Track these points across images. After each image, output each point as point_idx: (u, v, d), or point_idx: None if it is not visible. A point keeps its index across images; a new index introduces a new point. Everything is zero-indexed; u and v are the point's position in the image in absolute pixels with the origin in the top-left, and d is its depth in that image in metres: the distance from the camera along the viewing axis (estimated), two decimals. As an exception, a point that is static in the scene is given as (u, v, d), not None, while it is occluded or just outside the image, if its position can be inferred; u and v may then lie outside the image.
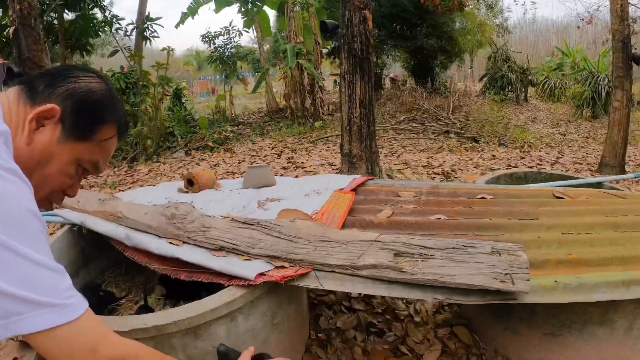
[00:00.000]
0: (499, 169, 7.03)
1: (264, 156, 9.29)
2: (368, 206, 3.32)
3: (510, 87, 16.47)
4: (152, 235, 2.82)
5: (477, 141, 9.58)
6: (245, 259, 2.45)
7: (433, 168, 7.34)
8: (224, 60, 16.96)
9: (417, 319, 3.43)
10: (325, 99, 13.83)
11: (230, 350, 1.77)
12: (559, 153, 8.55)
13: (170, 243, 2.66)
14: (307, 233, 2.58)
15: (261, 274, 2.28)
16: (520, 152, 8.52)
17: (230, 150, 10.13)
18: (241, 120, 14.56)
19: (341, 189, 3.61)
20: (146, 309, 3.21)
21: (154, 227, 2.82)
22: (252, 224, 2.72)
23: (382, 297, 3.71)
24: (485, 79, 18.57)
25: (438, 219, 2.94)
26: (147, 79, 11.96)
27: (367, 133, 6.10)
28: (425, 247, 2.32)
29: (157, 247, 2.66)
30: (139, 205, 3.21)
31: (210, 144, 10.42)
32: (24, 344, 2.89)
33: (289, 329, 2.76)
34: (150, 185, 7.76)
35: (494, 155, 8.06)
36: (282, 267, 2.35)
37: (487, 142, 9.47)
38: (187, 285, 3.39)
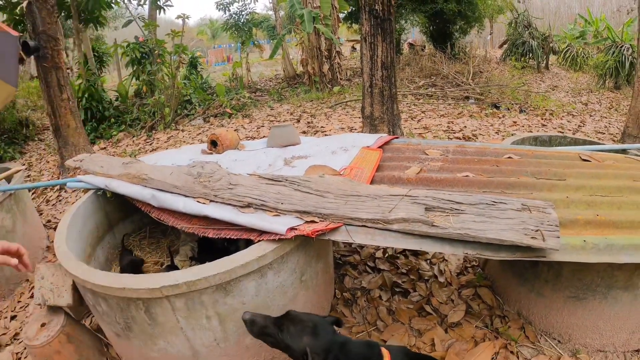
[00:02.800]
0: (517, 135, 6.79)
1: (283, 121, 9.19)
2: (396, 163, 3.27)
3: (531, 54, 16.07)
4: (178, 195, 2.79)
5: (497, 107, 9.43)
6: (274, 215, 2.41)
7: (454, 132, 7.26)
8: (239, 27, 16.84)
9: (441, 279, 3.43)
10: (343, 64, 13.65)
11: (256, 316, 1.79)
12: (580, 122, 8.39)
13: (198, 202, 2.63)
14: (337, 188, 2.54)
15: (292, 228, 2.25)
16: (542, 119, 8.38)
17: (249, 116, 10.07)
18: (258, 86, 14.46)
19: (368, 146, 3.55)
20: (173, 268, 3.22)
21: (180, 186, 2.79)
22: (279, 180, 2.68)
23: (407, 257, 3.71)
24: (505, 45, 18.24)
25: (466, 176, 2.88)
26: (163, 47, 11.91)
27: (389, 95, 6.01)
28: (456, 202, 2.28)
29: (184, 206, 2.63)
30: (164, 167, 3.18)
31: (228, 110, 10.36)
32: (52, 309, 2.89)
33: (316, 286, 2.75)
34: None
35: (515, 122, 7.95)
36: (313, 221, 2.31)
37: (508, 109, 9.31)
38: (214, 250, 3.42)
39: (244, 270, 2.15)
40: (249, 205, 2.51)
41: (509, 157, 3.27)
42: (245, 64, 14.41)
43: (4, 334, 3.61)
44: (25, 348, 3.33)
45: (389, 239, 2.20)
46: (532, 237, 1.96)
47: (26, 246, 4.06)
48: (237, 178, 2.77)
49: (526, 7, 18.02)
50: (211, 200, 2.64)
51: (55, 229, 4.99)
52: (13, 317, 3.81)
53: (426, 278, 3.46)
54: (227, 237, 2.41)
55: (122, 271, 3.21)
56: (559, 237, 1.96)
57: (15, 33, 4.54)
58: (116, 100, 11.83)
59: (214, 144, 3.98)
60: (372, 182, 2.85)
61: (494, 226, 2.06)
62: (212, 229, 2.50)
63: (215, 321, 2.28)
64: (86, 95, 10.06)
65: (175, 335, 2.32)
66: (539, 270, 2.68)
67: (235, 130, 8.72)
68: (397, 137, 3.92)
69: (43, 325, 2.78)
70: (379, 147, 3.56)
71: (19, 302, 3.99)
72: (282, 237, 2.21)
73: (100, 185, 3.30)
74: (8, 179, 4.54)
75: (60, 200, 6.05)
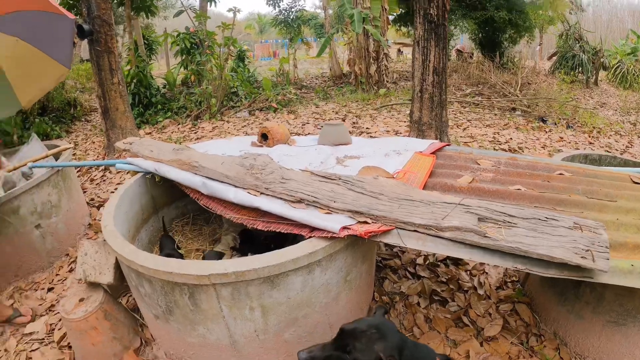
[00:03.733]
0: (566, 151, 6.69)
1: (328, 119, 9.13)
2: (448, 170, 3.22)
3: (580, 69, 15.69)
4: (229, 184, 2.79)
5: (544, 121, 9.22)
6: (326, 212, 2.39)
7: (499, 144, 7.12)
8: (288, 24, 16.89)
9: (480, 291, 3.36)
10: (389, 67, 13.57)
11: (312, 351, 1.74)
12: (628, 142, 8.15)
13: (248, 193, 2.62)
14: (390, 191, 2.50)
15: (345, 227, 2.23)
16: (589, 137, 8.17)
17: (294, 112, 10.04)
18: (304, 83, 14.48)
19: (421, 152, 3.51)
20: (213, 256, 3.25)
21: (231, 176, 2.79)
22: (333, 179, 2.66)
23: (447, 266, 3.66)
24: (554, 57, 17.87)
25: (518, 189, 2.81)
26: (213, 39, 12.00)
27: (439, 101, 5.93)
28: (509, 214, 2.23)
29: (235, 196, 2.63)
30: (215, 156, 3.19)
31: (274, 105, 10.37)
32: (92, 285, 2.93)
33: (358, 287, 2.72)
34: None
35: (561, 138, 7.75)
36: (365, 222, 2.28)
37: (555, 123, 9.09)
38: (255, 242, 3.42)
39: (293, 265, 2.14)
40: (300, 201, 2.49)
41: (561, 174, 3.19)
42: (293, 60, 14.42)
43: (40, 304, 3.68)
44: (60, 320, 3.39)
45: (439, 246, 2.17)
46: (582, 257, 1.90)
47: (69, 222, 4.16)
48: (290, 173, 2.76)
49: (578, 20, 17.63)
50: (262, 193, 2.63)
51: (98, 207, 5.09)
52: (50, 289, 3.88)
53: (465, 289, 3.40)
54: (277, 230, 2.40)
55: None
56: (608, 259, 1.91)
57: (71, 16, 4.61)
58: (163, 87, 12.01)
59: (264, 137, 3.99)
60: (424, 188, 2.81)
61: (545, 242, 2.00)
62: (261, 221, 2.50)
63: (257, 312, 2.27)
64: (135, 81, 10.23)
65: (216, 323, 2.33)
66: (580, 292, 2.61)
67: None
68: (448, 145, 3.86)
69: (81, 300, 2.84)
70: (432, 153, 3.51)
71: (57, 274, 4.06)
72: (335, 235, 2.19)
73: (150, 169, 3.34)
74: (56, 156, 4.62)
75: (104, 180, 6.13)
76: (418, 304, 3.25)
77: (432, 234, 2.18)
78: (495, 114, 9.72)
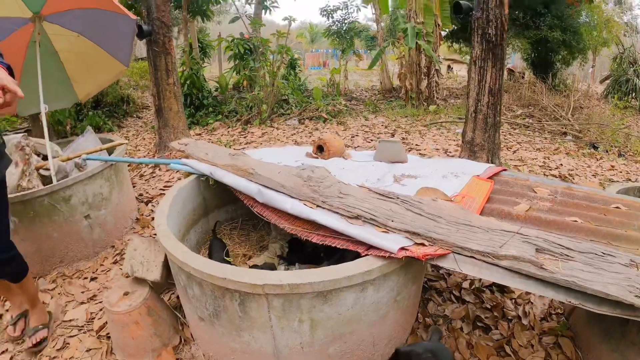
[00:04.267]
0: (617, 181, 6.56)
1: (377, 133, 9.15)
2: (504, 197, 3.15)
3: (634, 94, 15.26)
4: (285, 194, 2.78)
5: (596, 148, 8.96)
6: (382, 231, 2.36)
7: (550, 169, 6.98)
8: (341, 35, 16.91)
9: (524, 321, 3.27)
10: (440, 83, 13.48)
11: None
12: (682, 176, 7.91)
13: (305, 204, 2.61)
14: (449, 214, 2.46)
15: (403, 248, 2.19)
16: (642, 166, 7.95)
17: (343, 124, 10.06)
18: (354, 95, 14.48)
19: (478, 175, 3.45)
20: (267, 266, 3.24)
21: (288, 186, 2.79)
22: (391, 197, 2.64)
23: (492, 292, 3.58)
24: (607, 81, 17.44)
25: (575, 221, 2.73)
26: (267, 46, 12.12)
27: (493, 123, 5.85)
28: (566, 247, 2.17)
29: (292, 207, 2.63)
30: (271, 164, 3.20)
31: (324, 115, 10.39)
32: (137, 280, 2.97)
33: (406, 307, 2.68)
34: (264, 147, 7.84)
35: (612, 166, 7.51)
36: (422, 244, 2.24)
37: (607, 151, 8.84)
38: (303, 252, 3.41)
39: (348, 282, 2.12)
40: (357, 217, 2.47)
41: (617, 207, 3.10)
42: (344, 71, 14.44)
43: (82, 292, 3.74)
44: (100, 310, 3.44)
45: (495, 274, 2.12)
46: (636, 296, 1.84)
47: (118, 215, 4.24)
48: (348, 188, 2.75)
49: (633, 43, 17.14)
50: (318, 206, 2.62)
51: (146, 203, 5.17)
52: (93, 279, 3.94)
53: (509, 318, 3.32)
54: (332, 245, 2.39)
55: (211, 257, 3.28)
56: None
57: (133, 17, 4.73)
58: (215, 90, 12.14)
59: (320, 148, 3.99)
60: (481, 213, 2.76)
61: (600, 278, 1.95)
62: (316, 234, 2.49)
63: (306, 325, 2.25)
64: (188, 83, 10.36)
65: (262, 332, 2.32)
66: (627, 331, 2.50)
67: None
68: (505, 170, 3.79)
69: (126, 294, 2.89)
70: (489, 178, 3.46)
71: (101, 265, 4.13)
72: (392, 255, 2.16)
73: (205, 171, 3.37)
74: (110, 151, 4.72)
75: (153, 177, 6.23)
76: (461, 328, 3.18)
77: (488, 262, 2.14)
78: (546, 138, 9.52)
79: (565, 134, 10.01)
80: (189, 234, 3.51)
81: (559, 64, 16.39)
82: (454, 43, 17.90)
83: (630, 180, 6.77)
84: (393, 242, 2.20)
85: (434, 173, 3.50)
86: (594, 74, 23.14)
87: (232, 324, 2.38)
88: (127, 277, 3.07)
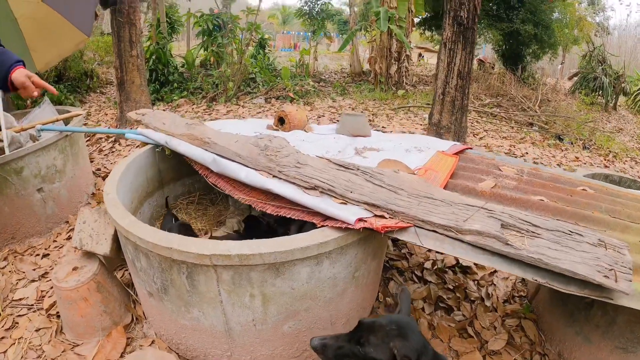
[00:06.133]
0: (587, 169, 6.60)
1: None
2: (469, 174, 3.07)
3: (601, 92, 15.48)
4: (240, 164, 2.65)
5: (561, 139, 9.06)
6: (340, 202, 2.25)
7: (515, 157, 6.93)
8: (312, 16, 16.74)
9: (487, 303, 3.24)
10: (410, 69, 13.41)
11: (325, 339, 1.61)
12: (644, 169, 8.04)
13: (260, 174, 2.49)
14: (411, 187, 2.36)
15: (361, 219, 2.09)
16: (605, 160, 8.04)
17: (311, 104, 9.95)
18: (323, 77, 14.30)
19: (443, 151, 3.36)
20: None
21: (244, 156, 2.66)
22: (351, 168, 2.52)
23: (455, 273, 3.54)
24: (576, 77, 17.67)
25: (541, 200, 2.67)
26: (236, 22, 11.90)
27: (460, 106, 5.84)
28: (532, 224, 2.10)
29: (247, 176, 2.50)
30: (229, 134, 3.06)
31: (291, 94, 10.23)
32: (87, 255, 2.82)
33: (365, 285, 2.59)
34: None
35: (577, 157, 7.66)
36: (382, 216, 2.14)
37: (572, 143, 8.93)
38: (260, 228, 3.29)
39: (301, 254, 2.00)
40: (314, 188, 2.35)
41: (584, 189, 3.04)
42: (314, 53, 14.29)
43: (34, 269, 3.58)
44: (51, 287, 3.29)
45: (458, 250, 2.03)
46: (604, 276, 1.78)
47: (72, 189, 4.06)
48: (306, 158, 2.62)
49: (603, 42, 17.39)
50: (274, 176, 2.49)
51: (103, 178, 4.99)
52: (45, 255, 3.78)
53: (472, 299, 3.28)
54: (287, 215, 2.27)
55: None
56: (631, 281, 1.79)
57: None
58: (182, 66, 11.90)
59: (281, 120, 3.85)
60: (445, 188, 2.67)
61: (568, 257, 1.88)
62: (271, 204, 2.37)
63: (258, 301, 2.14)
64: (153, 57, 10.09)
65: (212, 307, 2.20)
66: (591, 314, 2.48)
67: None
68: (471, 148, 3.72)
69: (75, 269, 2.74)
70: (454, 154, 3.37)
71: (54, 241, 3.96)
72: (349, 226, 2.05)
73: (160, 141, 3.22)
74: (66, 122, 4.51)
75: (113, 152, 6.03)
76: (423, 309, 3.13)
77: (452, 236, 2.05)
78: (512, 127, 9.63)
79: (531, 124, 10.13)
80: (142, 207, 3.35)
81: (529, 58, 16.54)
82: (426, 30, 17.87)
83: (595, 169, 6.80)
84: (350, 213, 2.09)
85: (398, 147, 3.41)
86: (563, 71, 23.46)
87: (181, 299, 2.25)
88: (77, 251, 2.92)
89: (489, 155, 3.64)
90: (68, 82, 9.93)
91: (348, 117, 3.86)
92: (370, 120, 8.47)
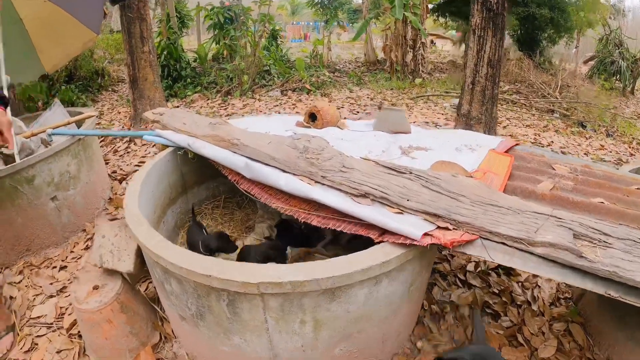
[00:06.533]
0: (608, 160, 6.48)
1: (364, 105, 8.84)
2: (524, 174, 2.79)
3: (618, 76, 15.13)
4: (276, 168, 2.39)
5: (584, 127, 8.79)
6: (396, 212, 1.98)
7: (542, 146, 6.75)
8: (324, 5, 16.47)
9: (534, 307, 3.03)
10: (426, 56, 13.12)
11: None
12: (669, 157, 7.76)
13: (300, 180, 2.22)
14: (472, 193, 2.09)
15: (427, 234, 1.83)
16: (629, 147, 7.76)
17: (327, 95, 9.74)
18: (337, 67, 14.04)
19: (494, 149, 3.07)
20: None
21: (279, 159, 2.39)
22: (403, 172, 2.24)
23: (499, 276, 3.31)
24: (591, 61, 17.27)
25: (601, 202, 2.40)
26: (249, 14, 11.66)
27: (491, 96, 5.55)
28: (603, 233, 1.88)
29: (286, 184, 2.22)
30: (259, 134, 2.79)
31: (307, 86, 9.97)
32: (108, 271, 2.57)
33: (417, 297, 2.38)
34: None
35: (602, 146, 7.45)
36: (446, 228, 1.88)
37: (594, 130, 8.68)
38: (293, 233, 3.03)
39: (362, 277, 1.75)
40: (365, 195, 2.08)
41: (638, 188, 2.76)
42: (327, 43, 14.02)
43: (51, 283, 3.35)
44: (70, 304, 3.07)
45: (529, 264, 1.81)
46: None
47: (88, 195, 3.80)
48: (351, 160, 2.35)
49: (619, 25, 16.97)
50: (317, 181, 2.22)
51: (120, 180, 4.77)
52: (63, 268, 3.55)
53: (518, 303, 3.05)
54: (338, 228, 2.00)
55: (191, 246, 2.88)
56: None
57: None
58: (194, 61, 11.68)
59: (312, 117, 3.57)
60: (504, 191, 2.40)
61: (640, 268, 1.66)
62: (317, 215, 2.09)
63: (309, 327, 1.90)
64: (165, 53, 9.94)
65: (256, 334, 1.96)
66: None
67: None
68: (518, 144, 3.41)
69: (96, 288, 2.50)
70: (506, 152, 3.08)
71: (71, 252, 3.73)
72: (415, 242, 1.79)
73: (182, 143, 2.97)
74: (78, 124, 4.28)
75: (128, 152, 5.80)
76: (469, 316, 2.90)
77: (521, 249, 1.83)
78: (534, 114, 9.39)
79: (552, 111, 9.90)
80: (165, 216, 3.10)
81: (544, 42, 16.23)
82: (440, 17, 17.51)
83: (621, 160, 6.69)
84: (414, 227, 1.83)
85: (445, 145, 3.11)
86: (578, 54, 23.05)
87: (220, 326, 2.02)
88: (98, 267, 2.67)
89: (538, 151, 3.36)
90: (79, 81, 9.79)
91: (387, 112, 3.56)
92: (391, 111, 8.23)
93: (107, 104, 9.29)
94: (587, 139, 7.89)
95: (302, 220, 2.11)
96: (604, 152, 7.05)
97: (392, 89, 10.73)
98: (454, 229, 1.89)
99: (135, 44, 6.41)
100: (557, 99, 10.69)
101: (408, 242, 1.80)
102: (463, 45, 17.18)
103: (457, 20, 17.11)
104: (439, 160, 2.55)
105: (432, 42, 23.62)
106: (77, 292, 2.45)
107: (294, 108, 8.33)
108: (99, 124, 7.44)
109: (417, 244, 1.78)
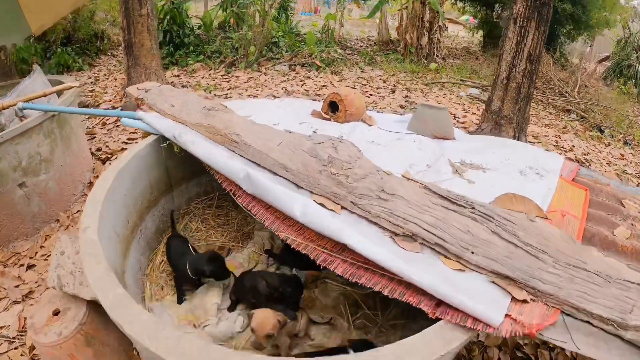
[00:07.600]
0: (630, 173, 6.14)
1: (377, 88, 8.39)
2: (597, 211, 2.16)
3: (635, 80, 14.69)
4: (286, 180, 1.81)
5: (602, 132, 8.46)
6: (457, 269, 1.41)
7: (564, 150, 6.40)
8: (340, -23, 15.84)
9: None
10: (442, 41, 12.55)
11: None
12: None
13: (321, 205, 1.63)
14: (556, 248, 1.50)
15: (509, 316, 1.28)
16: (648, 157, 7.39)
17: (338, 74, 9.25)
18: (349, 44, 13.51)
19: (561, 175, 2.42)
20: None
21: (294, 170, 1.81)
22: (463, 205, 1.64)
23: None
24: (606, 62, 16.78)
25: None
26: (258, -20, 11.13)
27: (526, 94, 5.06)
28: None
29: (304, 213, 1.61)
30: (266, 128, 2.20)
31: (317, 62, 9.49)
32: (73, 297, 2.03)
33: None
34: (250, 95, 7.00)
35: (622, 155, 7.11)
36: (524, 301, 1.32)
37: (612, 136, 8.33)
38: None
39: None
40: (412, 237, 1.50)
41: None
42: (340, 18, 13.43)
43: (17, 285, 2.87)
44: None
45: (614, 351, 1.33)
46: None
47: (63, 180, 3.06)
48: (393, 183, 1.74)
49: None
50: (343, 207, 1.64)
51: (103, 161, 4.21)
52: (30, 267, 3.07)
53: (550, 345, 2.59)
54: (368, 284, 1.42)
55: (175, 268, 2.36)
56: None
57: None
58: (199, 28, 11.21)
59: (333, 106, 2.93)
60: (582, 239, 1.81)
61: None
62: (342, 259, 1.50)
63: None
64: (168, 18, 9.44)
65: None
66: None
67: (323, 85, 7.98)
68: (579, 168, 2.73)
69: (56, 313, 1.95)
70: (574, 182, 2.42)
71: (41, 247, 3.26)
72: (491, 329, 1.23)
73: (167, 133, 2.41)
74: (59, 94, 3.75)
75: (117, 126, 5.23)
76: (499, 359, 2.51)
77: (609, 331, 1.35)
78: (551, 113, 9.09)
79: (569, 111, 9.57)
80: (143, 222, 2.52)
81: (562, 38, 15.81)
82: (458, 1, 16.89)
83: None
84: (492, 307, 1.26)
85: (505, 164, 2.44)
86: (592, 54, 22.77)
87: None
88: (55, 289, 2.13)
89: (603, 179, 2.67)
90: (77, 44, 9.33)
91: (427, 110, 2.90)
92: (406, 96, 7.86)
93: (104, 69, 8.84)
94: (606, 145, 7.58)
95: (321, 264, 1.53)
96: (625, 163, 6.76)
97: (405, 72, 10.29)
98: (532, 300, 1.33)
99: (132, 6, 5.88)
100: (575, 99, 10.32)
101: (480, 327, 1.24)
102: (479, 33, 16.80)
103: (476, 6, 16.56)
104: (504, 190, 1.88)
105: (445, 26, 23.10)
106: (35, 318, 1.91)
107: (302, 85, 7.89)
108: (92, 90, 6.95)
109: (492, 331, 1.22)
